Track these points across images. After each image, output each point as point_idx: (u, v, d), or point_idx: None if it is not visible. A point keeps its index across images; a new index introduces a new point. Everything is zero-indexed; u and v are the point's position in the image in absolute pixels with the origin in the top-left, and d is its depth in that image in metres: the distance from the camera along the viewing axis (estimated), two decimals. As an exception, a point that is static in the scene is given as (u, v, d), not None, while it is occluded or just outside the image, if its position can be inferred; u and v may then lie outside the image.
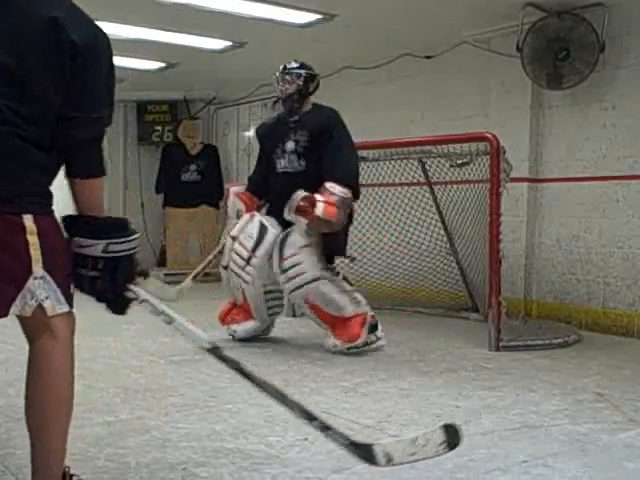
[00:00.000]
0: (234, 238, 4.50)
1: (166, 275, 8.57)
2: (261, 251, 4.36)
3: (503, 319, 4.50)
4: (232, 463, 2.37)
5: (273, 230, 4.38)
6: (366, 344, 4.27)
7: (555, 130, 5.54)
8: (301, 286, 4.23)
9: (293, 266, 4.23)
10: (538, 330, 4.95)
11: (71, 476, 1.93)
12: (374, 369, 3.86)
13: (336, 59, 6.86)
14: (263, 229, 4.40)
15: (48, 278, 1.76)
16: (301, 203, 4.08)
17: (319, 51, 6.63)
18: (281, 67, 4.62)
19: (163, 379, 3.59)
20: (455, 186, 5.55)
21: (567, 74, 5.17)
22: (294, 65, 4.64)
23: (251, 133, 8.76)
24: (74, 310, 1.88)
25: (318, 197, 4.08)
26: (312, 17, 5.59)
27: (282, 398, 2.06)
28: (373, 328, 4.31)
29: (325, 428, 1.98)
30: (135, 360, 4.01)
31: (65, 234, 1.85)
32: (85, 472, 2.24)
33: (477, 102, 5.96)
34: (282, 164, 4.49)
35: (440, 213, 5.77)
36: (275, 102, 4.71)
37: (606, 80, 5.17)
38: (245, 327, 4.62)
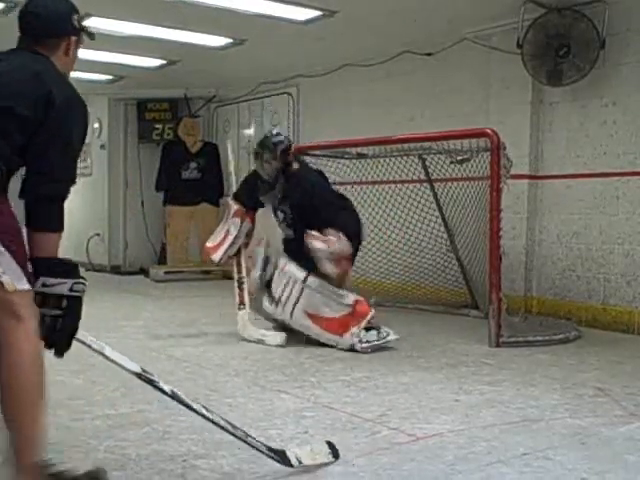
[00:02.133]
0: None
1: (166, 273, 8.58)
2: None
3: (503, 315, 4.50)
4: (232, 455, 2.37)
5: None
6: (379, 332, 4.30)
7: (555, 127, 5.53)
8: (296, 300, 4.35)
9: (281, 288, 4.39)
10: (538, 326, 4.96)
11: (46, 467, 1.92)
12: (374, 364, 3.86)
13: (337, 56, 6.86)
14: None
15: (6, 254, 1.80)
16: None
17: (320, 48, 6.65)
18: (256, 145, 4.71)
19: (163, 373, 3.54)
20: (455, 183, 5.55)
21: (567, 70, 5.17)
22: (272, 141, 4.60)
23: (251, 131, 8.77)
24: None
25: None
26: (313, 14, 5.58)
27: (207, 414, 2.23)
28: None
29: (246, 435, 2.22)
30: (136, 355, 3.96)
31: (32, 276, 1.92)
32: (86, 464, 2.25)
33: (477, 99, 5.96)
34: (282, 232, 4.73)
35: (440, 210, 5.77)
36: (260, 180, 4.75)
37: (606, 77, 5.16)
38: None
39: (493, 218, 4.49)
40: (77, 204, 10.47)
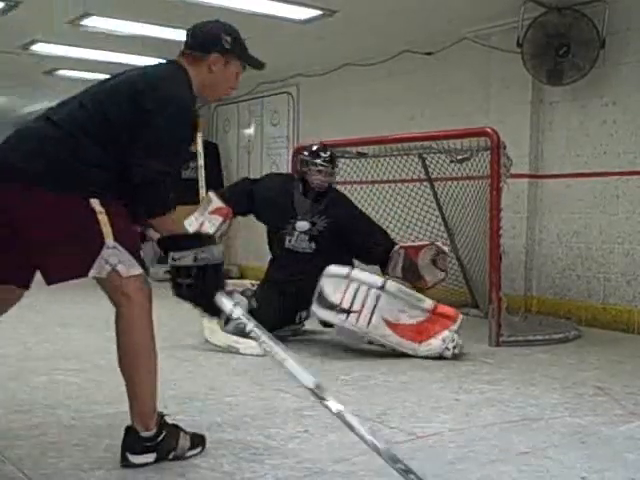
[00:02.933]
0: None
1: (166, 272, 8.56)
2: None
3: (503, 314, 4.50)
4: (232, 454, 2.37)
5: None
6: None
7: (555, 126, 5.54)
8: (374, 305, 3.99)
9: (351, 295, 4.01)
10: (538, 326, 4.96)
11: (161, 416, 2.31)
12: (374, 363, 3.86)
13: (337, 56, 6.87)
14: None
15: (119, 247, 2.09)
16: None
17: (320, 48, 6.66)
18: (315, 153, 4.56)
19: (164, 373, 3.53)
20: (455, 182, 5.55)
21: (567, 70, 5.17)
22: (327, 154, 4.57)
23: (251, 131, 8.77)
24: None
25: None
26: (313, 13, 5.59)
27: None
28: None
29: (406, 471, 2.05)
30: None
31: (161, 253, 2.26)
32: (85, 462, 2.26)
33: (477, 98, 5.96)
34: (290, 242, 4.49)
35: (440, 209, 5.77)
36: (295, 180, 4.67)
37: (606, 76, 5.17)
38: None
39: (493, 217, 4.49)
40: (77, 203, 10.49)
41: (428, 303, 4.09)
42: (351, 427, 2.12)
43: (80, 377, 3.44)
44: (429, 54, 6.35)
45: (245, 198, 4.76)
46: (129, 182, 2.12)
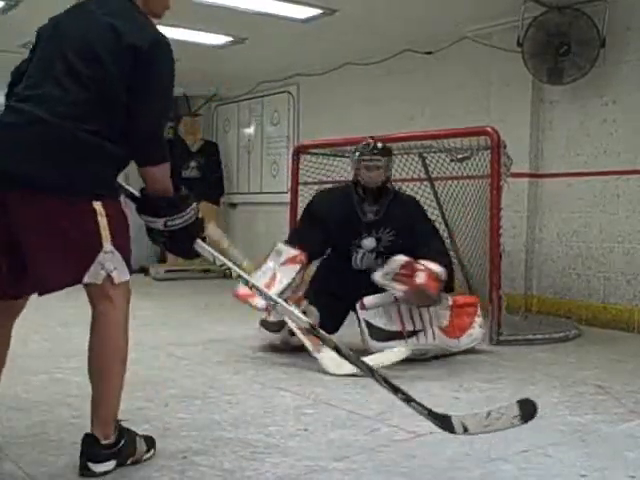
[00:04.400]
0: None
1: (166, 272, 8.57)
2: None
3: (503, 314, 4.50)
4: (232, 452, 2.37)
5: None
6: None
7: (556, 125, 5.54)
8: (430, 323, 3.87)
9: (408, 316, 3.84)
10: (538, 325, 4.96)
11: (118, 422, 2.25)
12: (374, 362, 3.86)
13: (337, 55, 6.86)
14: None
15: (116, 253, 2.08)
16: (402, 270, 3.69)
17: (320, 47, 6.65)
18: (361, 147, 4.13)
19: (163, 371, 3.59)
20: (455, 181, 5.54)
21: (568, 69, 5.17)
22: (380, 145, 4.13)
23: (251, 130, 8.77)
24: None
25: (419, 266, 3.71)
26: (313, 12, 5.59)
27: (371, 373, 2.37)
28: None
29: (407, 400, 2.27)
30: (135, 353, 3.95)
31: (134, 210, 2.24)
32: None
33: (478, 97, 5.96)
34: (356, 260, 4.10)
35: (440, 209, 5.76)
36: (350, 186, 4.18)
37: (607, 75, 5.16)
38: None
39: (493, 216, 4.49)
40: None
41: (449, 300, 3.97)
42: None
43: (80, 376, 3.41)
44: (429, 53, 6.34)
45: (318, 230, 4.12)
46: (132, 131, 2.09)
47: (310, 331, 2.45)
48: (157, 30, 2.20)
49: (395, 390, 2.28)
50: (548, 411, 2.93)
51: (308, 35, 6.18)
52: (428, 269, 3.69)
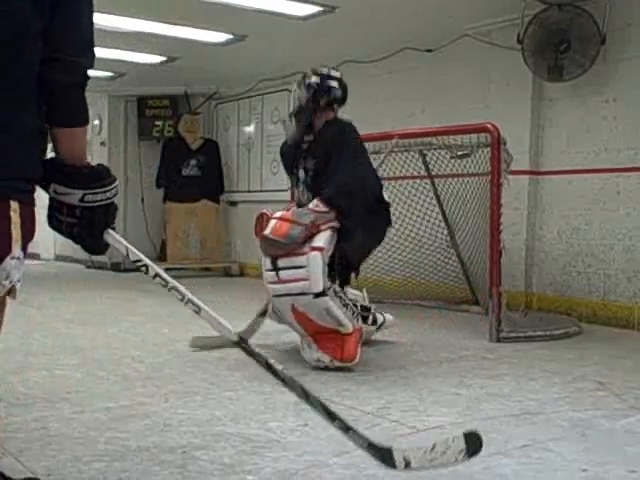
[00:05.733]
0: None
1: (166, 270, 8.55)
2: None
3: (504, 311, 4.50)
4: (232, 447, 2.37)
5: None
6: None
7: (556, 122, 5.54)
8: (295, 294, 3.53)
9: (292, 267, 3.54)
10: (539, 322, 4.95)
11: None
12: (374, 359, 3.86)
13: (337, 53, 6.84)
14: None
15: (22, 260, 1.70)
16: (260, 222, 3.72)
17: (320, 45, 6.65)
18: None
19: (164, 368, 3.59)
20: (456, 179, 5.55)
21: (568, 66, 5.17)
22: (309, 81, 3.89)
23: (252, 128, 8.77)
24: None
25: (276, 215, 3.65)
26: (313, 9, 5.59)
27: (306, 396, 1.99)
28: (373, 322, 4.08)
29: (346, 429, 1.96)
30: (136, 350, 4.01)
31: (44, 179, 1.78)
32: (85, 454, 2.26)
33: (478, 95, 5.96)
34: (299, 196, 3.90)
35: (441, 206, 5.77)
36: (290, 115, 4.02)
37: (607, 72, 5.16)
38: None
39: (493, 212, 4.49)
40: (77, 201, 10.49)
41: (348, 328, 3.56)
42: (276, 373, 2.07)
43: (80, 372, 3.45)
44: (429, 51, 6.34)
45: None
46: (49, 83, 1.68)
47: (238, 344, 2.19)
48: None
49: (332, 417, 1.97)
50: (548, 407, 2.94)
51: (308, 33, 6.18)
52: (282, 215, 3.60)
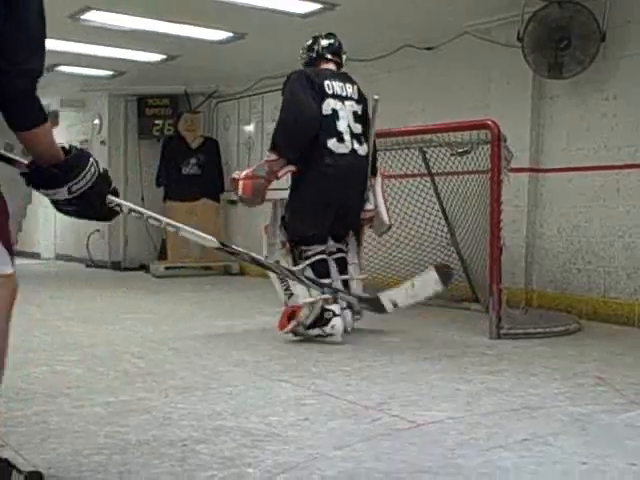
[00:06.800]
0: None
1: (166, 269, 8.58)
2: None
3: (504, 307, 4.50)
4: (232, 440, 2.37)
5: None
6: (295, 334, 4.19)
7: (556, 120, 5.54)
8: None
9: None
10: (539, 319, 4.95)
11: None
12: (375, 355, 3.86)
13: (337, 51, 6.85)
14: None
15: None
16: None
17: (320, 42, 6.63)
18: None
19: (164, 364, 3.59)
20: (456, 176, 5.54)
21: (568, 64, 5.17)
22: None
23: (252, 127, 8.77)
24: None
25: (242, 174, 4.41)
26: (313, 7, 5.59)
27: (292, 274, 2.18)
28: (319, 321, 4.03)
29: (335, 291, 2.11)
30: (136, 346, 4.01)
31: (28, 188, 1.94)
32: (86, 448, 2.25)
33: (478, 93, 5.96)
34: None
35: (441, 203, 5.76)
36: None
37: (607, 70, 5.16)
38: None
39: (494, 209, 4.49)
40: (77, 200, 10.50)
41: (281, 300, 4.16)
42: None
43: (80, 367, 3.45)
44: (429, 49, 6.35)
45: None
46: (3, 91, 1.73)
47: (221, 249, 2.45)
48: None
49: (320, 286, 2.16)
50: (548, 401, 2.94)
51: (308, 30, 6.16)
52: (245, 175, 4.38)
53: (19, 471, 1.87)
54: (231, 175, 4.56)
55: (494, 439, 2.44)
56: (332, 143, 4.21)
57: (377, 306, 1.98)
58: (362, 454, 2.28)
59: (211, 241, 2.30)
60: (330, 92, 4.31)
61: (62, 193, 1.90)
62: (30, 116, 1.80)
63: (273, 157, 4.25)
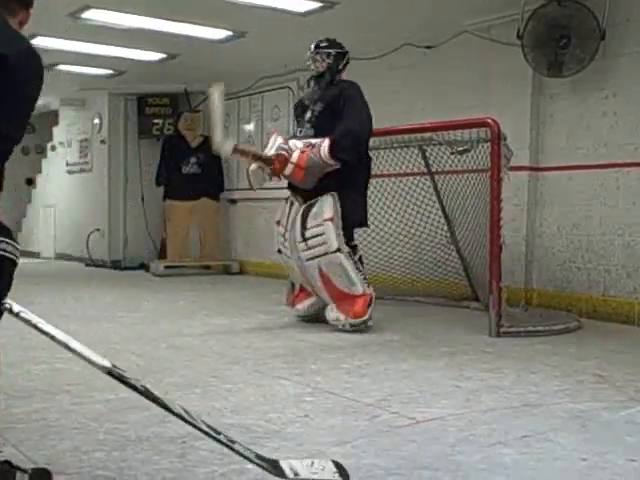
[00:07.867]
0: (278, 222, 4.85)
1: (166, 268, 8.57)
2: (289, 225, 4.67)
3: (504, 306, 4.50)
4: (232, 437, 2.36)
5: (296, 203, 4.72)
6: (365, 323, 4.49)
7: (556, 118, 5.53)
8: (320, 255, 4.43)
9: (315, 236, 4.47)
10: (539, 317, 4.95)
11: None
12: (375, 352, 3.86)
13: (336, 49, 6.84)
14: (291, 204, 4.80)
15: None
16: (275, 159, 4.57)
17: (320, 41, 6.63)
18: (312, 45, 4.88)
19: (163, 361, 3.59)
20: (456, 175, 5.54)
21: (568, 62, 5.17)
22: (324, 44, 4.86)
23: (251, 126, 8.77)
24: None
25: (294, 157, 4.50)
26: (313, 5, 5.59)
27: (187, 416, 2.06)
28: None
29: (231, 442, 2.03)
30: (135, 345, 4.01)
31: None
32: (85, 444, 2.26)
33: (478, 91, 5.95)
34: (301, 132, 4.78)
35: (441, 202, 5.76)
36: (308, 80, 5.01)
37: (607, 68, 5.16)
38: (304, 304, 4.81)
39: (493, 207, 4.49)
40: (77, 199, 10.49)
41: (358, 289, 4.46)
42: (164, 406, 2.11)
43: (80, 365, 3.40)
44: (429, 47, 6.34)
45: None
46: None
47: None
48: (27, 41, 1.88)
49: (216, 432, 2.04)
50: (548, 399, 2.94)
51: (308, 29, 6.17)
52: (298, 162, 4.51)
53: (23, 471, 1.87)
54: (278, 150, 4.62)
55: (494, 436, 2.44)
56: None
57: (277, 469, 1.95)
58: (362, 450, 2.28)
59: (102, 365, 2.12)
60: None
61: None
62: None
63: (332, 162, 4.51)
